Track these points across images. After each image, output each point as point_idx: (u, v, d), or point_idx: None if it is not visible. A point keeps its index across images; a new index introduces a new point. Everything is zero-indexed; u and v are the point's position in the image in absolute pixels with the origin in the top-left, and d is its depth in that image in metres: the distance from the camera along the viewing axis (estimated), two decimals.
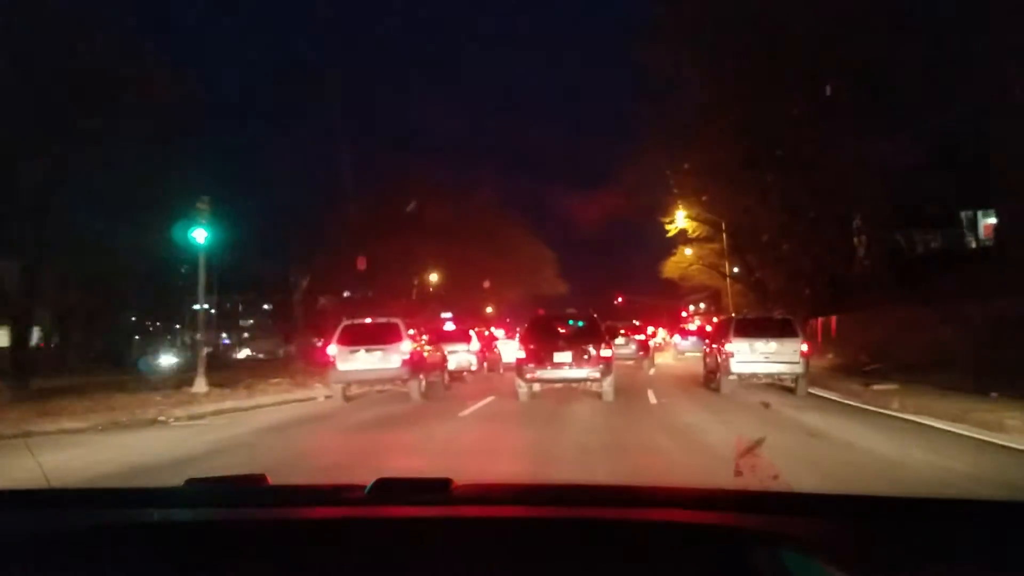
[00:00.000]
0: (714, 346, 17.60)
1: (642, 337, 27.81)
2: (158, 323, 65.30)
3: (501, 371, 24.15)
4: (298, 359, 28.72)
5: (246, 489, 2.05)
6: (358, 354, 16.18)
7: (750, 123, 27.04)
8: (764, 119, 26.07)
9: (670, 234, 40.32)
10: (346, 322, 16.94)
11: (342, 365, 16.18)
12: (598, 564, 1.47)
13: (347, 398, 16.45)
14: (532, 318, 16.83)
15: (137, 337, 58.83)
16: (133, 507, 1.98)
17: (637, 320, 36.35)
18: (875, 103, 23.63)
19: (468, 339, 21.73)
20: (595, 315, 16.20)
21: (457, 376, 21.44)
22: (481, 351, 21.94)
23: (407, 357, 16.13)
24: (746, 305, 40.69)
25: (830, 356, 23.56)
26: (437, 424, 11.71)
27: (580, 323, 15.55)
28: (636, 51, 29.87)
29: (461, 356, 21.30)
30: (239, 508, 1.89)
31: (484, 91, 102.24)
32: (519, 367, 15.04)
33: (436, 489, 1.78)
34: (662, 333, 53.33)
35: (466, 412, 13.12)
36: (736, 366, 15.59)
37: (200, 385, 16.85)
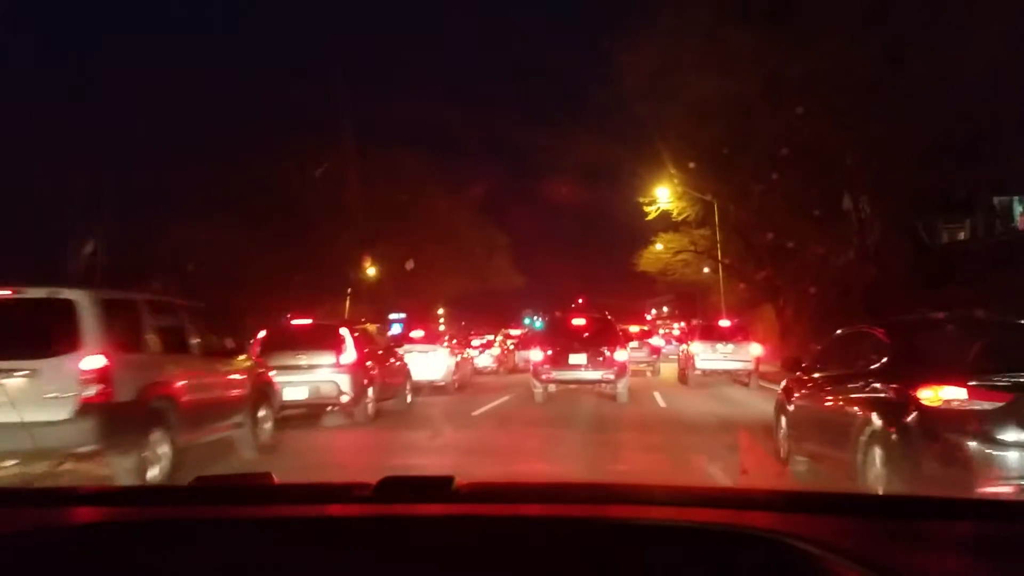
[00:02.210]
0: (684, 347, 21.02)
1: (655, 341, 28.73)
2: None
3: (408, 400, 14.41)
4: None
5: (252, 487, 2.02)
6: None
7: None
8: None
9: (650, 217, 33.63)
10: None
11: None
12: (601, 562, 1.46)
13: None
14: (549, 318, 18.09)
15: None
16: (139, 504, 1.97)
17: (646, 325, 37.67)
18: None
19: (338, 345, 11.82)
20: (610, 317, 16.67)
21: (316, 411, 11.64)
22: (359, 366, 11.78)
23: (95, 391, 6.35)
24: (757, 312, 33.26)
25: None
26: None
27: (595, 325, 15.97)
28: None
29: (321, 376, 11.36)
30: (246, 506, 1.83)
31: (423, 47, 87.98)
32: (535, 368, 15.08)
33: (441, 487, 1.74)
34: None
35: None
36: (700, 363, 18.98)
37: None
